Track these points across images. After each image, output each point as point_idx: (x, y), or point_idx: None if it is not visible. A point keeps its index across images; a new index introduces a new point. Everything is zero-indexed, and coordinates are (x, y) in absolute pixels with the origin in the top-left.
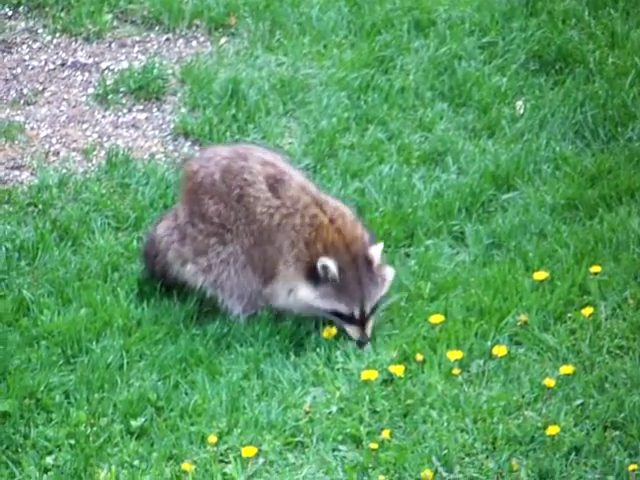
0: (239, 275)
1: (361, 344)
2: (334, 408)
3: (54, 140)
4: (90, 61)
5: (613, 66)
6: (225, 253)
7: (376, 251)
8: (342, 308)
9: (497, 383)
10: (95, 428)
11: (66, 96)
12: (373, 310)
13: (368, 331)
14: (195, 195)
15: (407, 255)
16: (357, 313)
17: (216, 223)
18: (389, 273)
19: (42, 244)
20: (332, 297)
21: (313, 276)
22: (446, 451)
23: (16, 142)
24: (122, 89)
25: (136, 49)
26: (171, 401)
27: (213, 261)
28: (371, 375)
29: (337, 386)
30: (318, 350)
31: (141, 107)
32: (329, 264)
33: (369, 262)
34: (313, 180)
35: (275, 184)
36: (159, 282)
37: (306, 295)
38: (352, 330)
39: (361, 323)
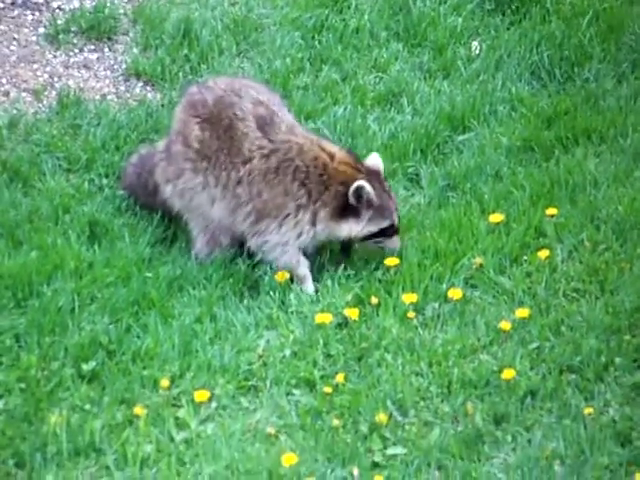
0: (205, 207)
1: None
2: (288, 352)
3: (4, 80)
4: (41, 0)
5: (570, 6)
6: (195, 182)
7: (376, 159)
8: (387, 223)
9: (452, 326)
10: (46, 372)
11: (16, 36)
12: None
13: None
14: (185, 116)
15: None
16: (396, 221)
17: (194, 148)
18: None
19: None
20: (377, 217)
21: (347, 211)
22: (401, 395)
23: None
24: (73, 29)
25: None
26: (123, 345)
27: (185, 186)
28: (325, 318)
29: (291, 329)
30: (272, 293)
31: (92, 47)
32: (364, 184)
33: (378, 172)
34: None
35: (265, 125)
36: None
37: (353, 229)
38: (393, 242)
39: (397, 231)
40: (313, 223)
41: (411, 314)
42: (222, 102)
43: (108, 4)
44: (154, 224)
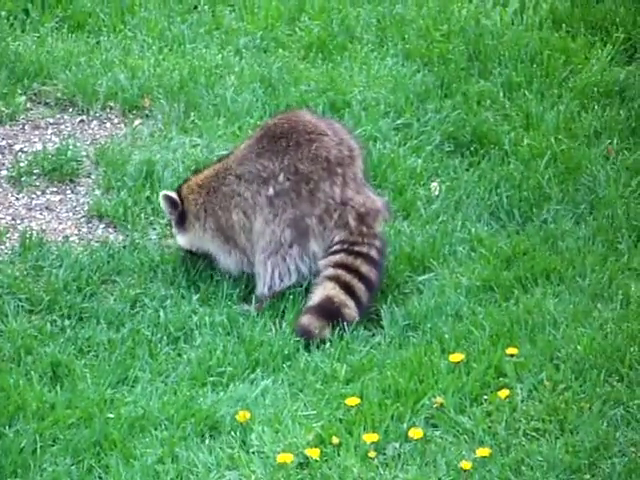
0: None
1: None
2: None
3: None
4: (3, 143)
5: (528, 147)
6: None
7: None
8: None
9: (413, 466)
10: None
11: None
12: None
13: None
14: None
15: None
16: None
17: None
18: None
19: None
20: None
21: None
22: None
23: None
24: (36, 171)
25: (50, 131)
26: None
27: None
28: (287, 458)
29: (252, 470)
30: (233, 433)
31: (55, 189)
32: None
33: None
34: None
35: None
36: None
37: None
38: None
39: None
40: None
41: (372, 453)
42: None
43: (70, 147)
44: (116, 364)
